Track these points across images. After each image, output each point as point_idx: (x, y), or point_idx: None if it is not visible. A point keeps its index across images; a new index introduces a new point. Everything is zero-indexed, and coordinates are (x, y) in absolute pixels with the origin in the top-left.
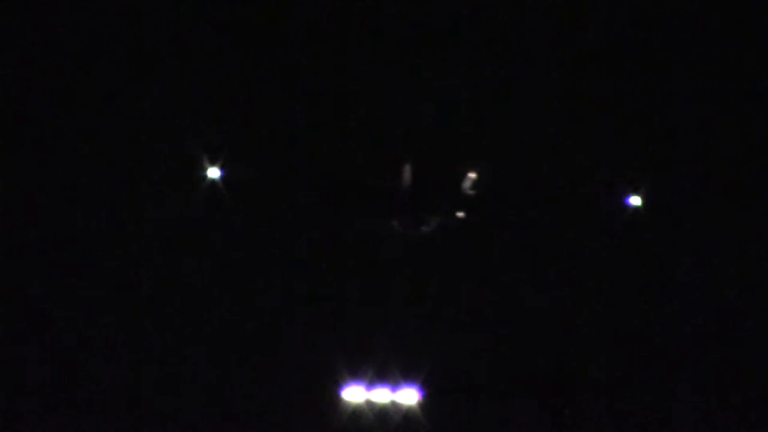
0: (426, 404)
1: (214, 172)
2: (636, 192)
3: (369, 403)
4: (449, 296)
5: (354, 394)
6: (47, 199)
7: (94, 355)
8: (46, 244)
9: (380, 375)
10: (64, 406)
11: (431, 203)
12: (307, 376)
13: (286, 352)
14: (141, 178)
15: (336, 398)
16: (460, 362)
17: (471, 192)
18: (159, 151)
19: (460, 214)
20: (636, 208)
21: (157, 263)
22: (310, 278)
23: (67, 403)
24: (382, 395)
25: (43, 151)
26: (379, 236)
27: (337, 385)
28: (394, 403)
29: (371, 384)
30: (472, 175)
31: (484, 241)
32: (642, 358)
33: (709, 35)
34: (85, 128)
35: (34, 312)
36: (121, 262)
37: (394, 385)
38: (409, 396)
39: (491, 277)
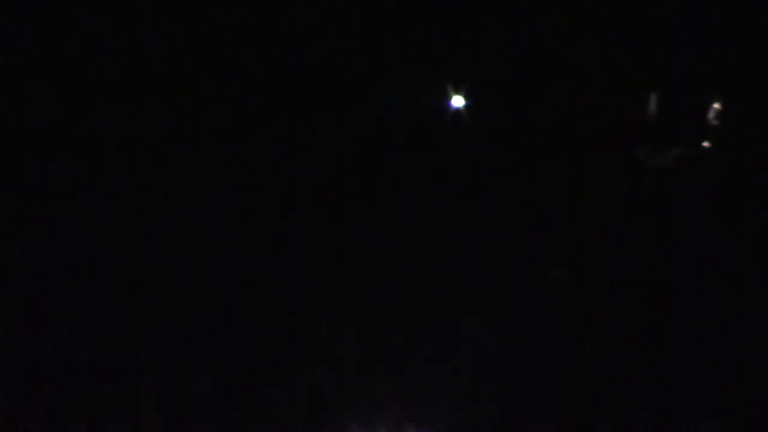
0: None
1: (458, 101)
2: None
3: None
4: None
5: None
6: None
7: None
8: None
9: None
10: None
11: (676, 133)
12: (307, 427)
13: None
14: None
15: None
16: (480, 411)
17: (716, 123)
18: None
19: (706, 144)
20: None
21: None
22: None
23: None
24: None
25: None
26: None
27: None
28: None
29: None
30: (717, 106)
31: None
32: None
33: None
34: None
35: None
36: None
37: None
38: None
39: None
